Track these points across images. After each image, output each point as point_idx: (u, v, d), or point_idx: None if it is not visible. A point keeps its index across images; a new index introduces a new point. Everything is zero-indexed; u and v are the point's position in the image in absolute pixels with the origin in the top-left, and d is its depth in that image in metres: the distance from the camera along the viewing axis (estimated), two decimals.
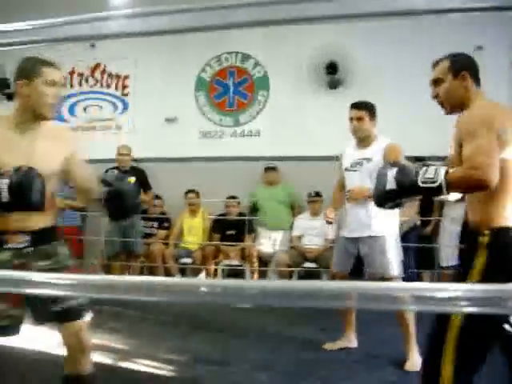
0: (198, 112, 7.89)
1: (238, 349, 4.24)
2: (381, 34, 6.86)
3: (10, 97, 8.46)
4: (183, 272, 7.04)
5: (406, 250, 6.24)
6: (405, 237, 6.35)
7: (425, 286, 0.92)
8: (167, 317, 5.08)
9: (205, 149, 7.65)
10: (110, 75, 8.32)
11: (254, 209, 7.23)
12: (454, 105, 2.58)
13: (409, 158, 6.66)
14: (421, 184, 2.18)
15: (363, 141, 4.21)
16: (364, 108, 4.29)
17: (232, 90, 7.82)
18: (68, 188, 7.57)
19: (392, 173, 2.28)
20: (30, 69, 2.38)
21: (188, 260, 6.99)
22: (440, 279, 6.51)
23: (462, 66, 2.52)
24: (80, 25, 1.37)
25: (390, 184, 2.27)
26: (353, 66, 7.23)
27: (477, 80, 2.48)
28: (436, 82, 2.64)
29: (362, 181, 4.01)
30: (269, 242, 6.98)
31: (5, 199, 2.17)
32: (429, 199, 6.40)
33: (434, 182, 2.15)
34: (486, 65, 6.73)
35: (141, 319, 5.14)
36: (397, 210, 3.82)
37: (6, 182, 2.15)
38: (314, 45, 7.27)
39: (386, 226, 3.98)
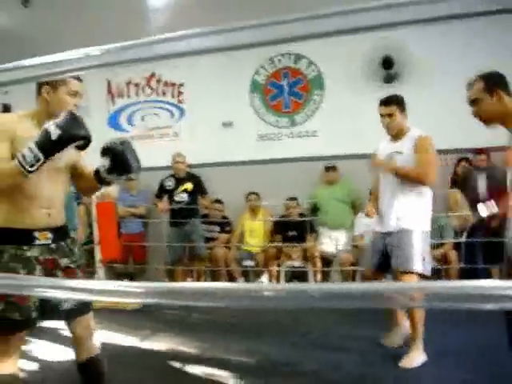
0: (253, 115, 7.91)
1: (304, 349, 4.23)
2: (436, 26, 6.70)
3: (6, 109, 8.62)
4: (246, 275, 7.06)
5: (473, 245, 6.10)
6: (472, 233, 6.20)
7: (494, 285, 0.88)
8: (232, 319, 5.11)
9: (262, 151, 7.66)
10: (165, 83, 8.45)
11: (315, 209, 7.20)
12: (494, 120, 2.90)
13: (466, 150, 6.55)
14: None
15: (396, 134, 4.28)
16: (393, 103, 4.32)
17: (287, 91, 7.80)
18: (129, 196, 7.76)
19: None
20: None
21: (250, 263, 7.01)
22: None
23: (496, 85, 2.82)
24: (140, 48, 1.39)
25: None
26: (408, 60, 7.11)
27: (509, 94, 2.76)
28: (474, 102, 2.92)
29: (390, 176, 4.10)
30: (331, 241, 6.92)
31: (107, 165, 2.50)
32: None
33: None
34: None
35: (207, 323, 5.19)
36: (428, 206, 4.10)
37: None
38: (368, 40, 7.17)
39: (414, 220, 3.99)
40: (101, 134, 8.83)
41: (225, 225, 7.41)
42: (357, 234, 6.80)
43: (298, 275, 6.86)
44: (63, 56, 1.26)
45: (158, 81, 8.49)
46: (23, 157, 2.17)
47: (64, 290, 1.37)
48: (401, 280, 3.88)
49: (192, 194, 7.01)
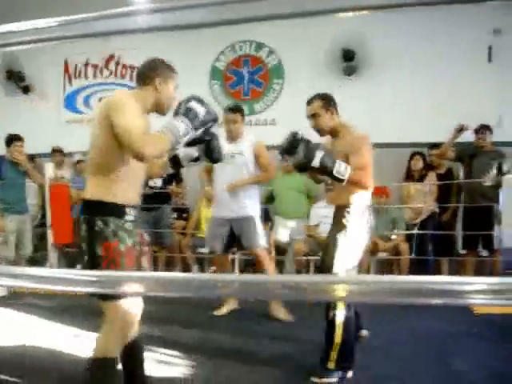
0: (212, 101, 7.87)
1: (255, 338, 4.26)
2: (397, 19, 6.79)
3: (25, 90, 8.52)
4: (200, 262, 7.05)
5: (424, 237, 6.23)
6: (423, 224, 6.33)
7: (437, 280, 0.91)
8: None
9: (220, 138, 7.63)
10: (124, 66, 8.33)
11: (271, 197, 7.21)
12: (326, 132, 3.68)
13: (422, 145, 6.68)
14: (334, 173, 3.12)
15: (234, 138, 4.96)
16: (237, 111, 5.00)
17: (247, 79, 7.79)
18: (81, 179, 7.62)
19: (321, 154, 3.13)
20: (168, 70, 2.79)
21: (205, 250, 6.99)
22: (458, 266, 6.49)
23: (329, 103, 3.62)
24: (97, 21, 1.37)
25: (315, 162, 3.11)
26: (369, 53, 7.18)
27: (337, 112, 3.63)
28: (313, 116, 3.63)
29: (233, 173, 4.81)
30: (285, 230, 6.96)
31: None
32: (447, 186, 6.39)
33: (342, 176, 3.13)
34: (505, 48, 6.72)
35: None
36: (258, 195, 5.04)
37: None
38: (330, 31, 7.21)
39: (254, 208, 4.91)
40: (56, 115, 8.65)
41: (183, 211, 7.37)
42: (312, 223, 6.85)
43: (252, 263, 6.88)
44: (12, 27, 1.24)
45: (117, 63, 8.36)
46: (177, 130, 2.45)
47: (7, 278, 1.34)
48: (255, 255, 4.92)
49: (167, 180, 6.89)
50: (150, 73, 2.68)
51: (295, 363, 3.67)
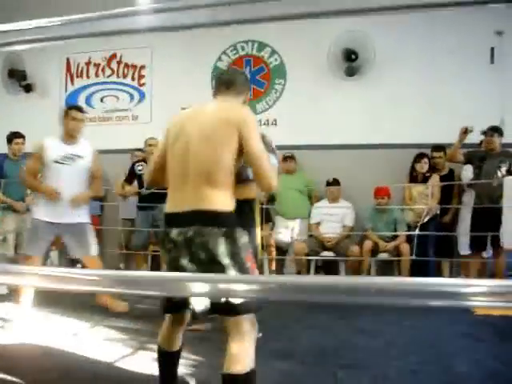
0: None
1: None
2: (399, 20, 6.78)
3: (27, 89, 8.52)
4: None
5: (425, 239, 6.22)
6: (424, 226, 6.32)
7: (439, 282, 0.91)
8: None
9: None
10: (126, 65, 8.33)
11: (272, 198, 7.21)
12: None
13: (425, 146, 6.65)
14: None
15: (74, 138, 4.80)
16: (83, 111, 5.05)
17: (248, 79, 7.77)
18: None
19: None
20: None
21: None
22: (459, 267, 6.49)
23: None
24: (100, 21, 1.38)
25: None
26: (371, 54, 7.17)
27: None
28: None
29: (72, 175, 4.66)
30: (286, 231, 6.96)
31: None
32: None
33: None
34: (507, 50, 6.71)
35: None
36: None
37: None
38: (332, 32, 7.21)
39: (84, 214, 4.85)
40: (58, 114, 8.67)
41: None
42: (313, 222, 6.86)
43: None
44: (15, 26, 1.24)
45: (119, 62, 8.36)
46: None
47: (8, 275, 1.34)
48: (87, 263, 4.79)
49: None
50: (246, 85, 2.80)
51: None
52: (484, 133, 6.05)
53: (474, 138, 6.17)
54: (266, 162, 2.37)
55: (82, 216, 4.81)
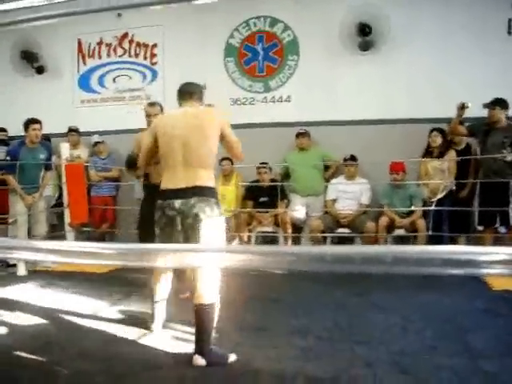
0: (227, 78, 7.81)
1: (274, 314, 4.26)
2: None
3: (39, 70, 8.51)
4: None
5: (440, 214, 6.17)
6: (440, 202, 6.27)
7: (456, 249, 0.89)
8: None
9: (235, 115, 7.55)
10: (137, 44, 8.28)
11: (287, 175, 7.20)
12: None
13: (441, 120, 6.56)
14: None
15: None
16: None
17: (261, 56, 7.71)
18: (99, 160, 7.67)
19: None
20: None
21: None
22: (475, 243, 6.43)
23: None
24: None
25: None
26: (385, 27, 7.05)
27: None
28: None
29: None
30: (302, 207, 6.95)
31: None
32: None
33: None
34: None
35: None
36: None
37: None
38: (345, 6, 7.11)
39: None
40: (70, 95, 8.67)
41: None
42: (329, 199, 6.83)
43: (269, 241, 6.90)
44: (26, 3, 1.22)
45: (131, 41, 8.31)
46: None
47: (30, 251, 1.34)
48: None
49: None
50: (202, 93, 3.66)
51: None
52: (486, 106, 5.91)
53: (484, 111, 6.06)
54: (238, 144, 3.49)
55: None
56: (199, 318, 3.22)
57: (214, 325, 3.26)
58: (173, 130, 3.34)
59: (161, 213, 3.31)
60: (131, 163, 4.37)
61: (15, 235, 6.05)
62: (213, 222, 3.22)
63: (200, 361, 3.17)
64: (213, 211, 3.24)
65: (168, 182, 3.32)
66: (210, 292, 3.23)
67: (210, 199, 3.25)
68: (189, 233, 3.23)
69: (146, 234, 3.96)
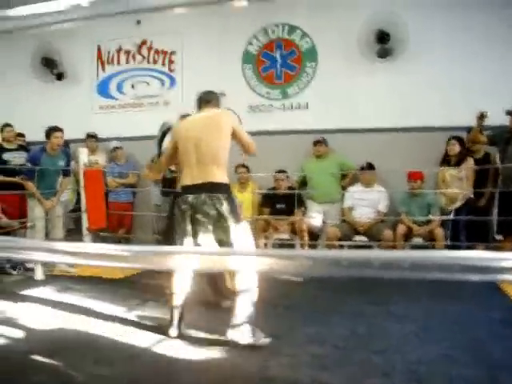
0: (245, 85, 7.83)
1: (289, 322, 4.24)
2: (433, 0, 6.65)
3: (59, 77, 8.61)
4: None
5: (458, 223, 6.12)
6: (458, 211, 6.21)
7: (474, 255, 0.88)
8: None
9: (253, 122, 7.55)
10: (156, 51, 8.33)
11: (304, 182, 7.18)
12: None
13: (460, 128, 6.51)
14: None
15: None
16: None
17: (279, 63, 7.72)
18: (117, 166, 7.72)
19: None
20: None
21: None
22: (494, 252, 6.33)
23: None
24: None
25: None
26: (403, 35, 7.03)
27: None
28: None
29: None
30: (319, 215, 6.93)
31: None
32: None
33: None
34: None
35: None
36: None
37: None
38: (363, 13, 7.09)
39: None
40: (89, 101, 8.73)
41: None
42: (345, 207, 6.81)
43: (285, 248, 6.88)
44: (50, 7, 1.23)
45: (150, 48, 8.37)
46: None
47: (49, 253, 1.34)
48: None
49: None
50: (218, 100, 4.03)
51: None
52: (509, 113, 5.85)
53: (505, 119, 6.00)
54: (251, 140, 3.84)
55: None
56: (237, 300, 3.52)
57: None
58: (187, 133, 3.70)
59: (177, 208, 3.68)
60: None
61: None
62: (226, 216, 3.52)
63: (231, 335, 3.52)
64: (222, 207, 3.50)
65: (185, 179, 3.64)
66: (246, 279, 3.49)
67: (221, 195, 3.52)
68: (197, 228, 3.54)
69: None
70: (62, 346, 3.66)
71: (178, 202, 3.67)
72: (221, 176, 3.60)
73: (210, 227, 3.53)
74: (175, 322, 3.82)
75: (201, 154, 3.59)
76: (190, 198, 3.55)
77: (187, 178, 3.64)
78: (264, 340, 3.55)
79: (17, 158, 7.05)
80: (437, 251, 0.89)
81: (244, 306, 3.53)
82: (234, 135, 3.70)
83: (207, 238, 3.54)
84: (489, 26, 6.71)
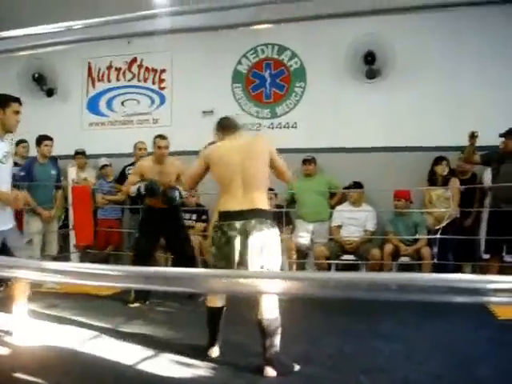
0: (235, 104, 7.87)
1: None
2: (420, 22, 6.73)
3: (49, 93, 8.60)
4: None
5: (444, 243, 6.15)
6: (444, 230, 6.25)
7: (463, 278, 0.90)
8: None
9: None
10: (146, 69, 8.38)
11: (292, 201, 7.20)
12: None
13: (446, 148, 6.56)
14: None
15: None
16: None
17: (269, 82, 7.78)
18: (106, 183, 7.69)
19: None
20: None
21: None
22: (481, 271, 6.39)
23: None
24: (120, 24, 1.38)
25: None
26: (391, 56, 7.12)
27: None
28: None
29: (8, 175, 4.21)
30: (307, 234, 6.94)
31: None
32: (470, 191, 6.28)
33: None
34: None
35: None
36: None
37: None
38: (352, 34, 7.18)
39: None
40: (79, 118, 8.74)
41: (201, 213, 7.37)
42: (334, 225, 6.83)
43: None
44: (44, 29, 1.25)
45: (140, 66, 8.41)
46: None
47: (37, 272, 1.35)
48: None
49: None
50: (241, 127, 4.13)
51: None
52: (502, 135, 5.94)
53: (496, 140, 6.08)
54: (286, 168, 3.89)
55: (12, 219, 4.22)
56: (267, 331, 3.47)
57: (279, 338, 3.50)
58: (227, 158, 3.69)
59: (220, 233, 3.61)
60: (154, 192, 5.09)
61: (30, 255, 6.02)
62: (272, 241, 3.55)
63: (271, 372, 3.43)
64: (270, 231, 3.54)
65: (228, 205, 3.62)
66: (272, 307, 3.49)
67: (267, 220, 3.57)
68: (245, 251, 3.51)
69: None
70: (47, 364, 3.64)
71: (221, 226, 3.60)
72: (266, 202, 3.68)
73: (258, 251, 3.48)
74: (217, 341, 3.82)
75: (246, 180, 3.61)
76: (238, 224, 3.52)
77: (231, 204, 3.60)
78: (295, 365, 3.56)
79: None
80: (423, 274, 0.92)
81: (277, 336, 3.51)
82: (272, 162, 3.75)
83: (256, 263, 3.47)
84: (479, 45, 6.80)
